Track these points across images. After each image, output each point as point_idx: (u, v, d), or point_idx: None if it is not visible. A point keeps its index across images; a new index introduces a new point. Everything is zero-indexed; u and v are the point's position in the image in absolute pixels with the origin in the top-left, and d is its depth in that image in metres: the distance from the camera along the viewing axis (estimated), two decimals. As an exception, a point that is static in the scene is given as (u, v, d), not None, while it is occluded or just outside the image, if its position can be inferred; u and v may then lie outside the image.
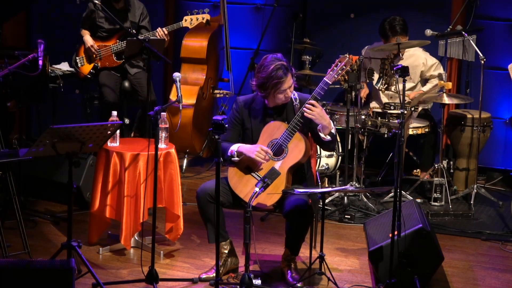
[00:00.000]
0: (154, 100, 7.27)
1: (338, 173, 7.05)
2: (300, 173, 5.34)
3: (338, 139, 6.91)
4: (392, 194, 6.78)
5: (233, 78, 8.02)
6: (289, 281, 5.26)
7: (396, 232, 4.95)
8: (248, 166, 5.25)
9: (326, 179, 7.08)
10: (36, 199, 6.74)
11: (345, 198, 6.74)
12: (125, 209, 5.53)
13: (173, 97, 7.57)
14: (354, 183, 6.86)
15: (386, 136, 6.80)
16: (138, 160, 5.54)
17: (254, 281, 4.98)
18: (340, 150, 6.92)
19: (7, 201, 5.63)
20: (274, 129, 5.24)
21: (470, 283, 5.45)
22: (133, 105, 7.66)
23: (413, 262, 5.12)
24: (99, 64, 7.30)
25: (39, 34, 7.90)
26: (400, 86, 6.43)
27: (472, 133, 7.16)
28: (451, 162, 7.38)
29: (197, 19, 7.18)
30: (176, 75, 5.32)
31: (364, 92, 7.25)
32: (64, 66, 7.50)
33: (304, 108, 5.12)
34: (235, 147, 5.24)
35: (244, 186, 5.22)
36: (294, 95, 5.30)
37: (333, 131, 5.24)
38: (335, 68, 5.27)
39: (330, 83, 5.21)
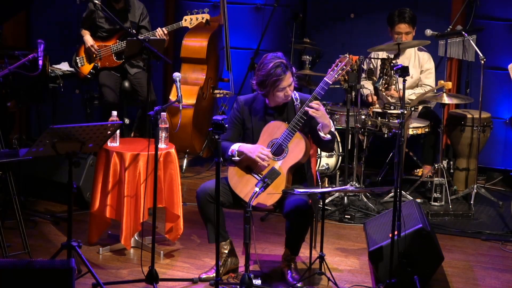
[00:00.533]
0: (154, 100, 7.27)
1: (338, 173, 7.05)
2: (300, 173, 5.34)
3: (338, 139, 6.91)
4: (392, 194, 6.78)
5: (233, 78, 8.02)
6: (289, 281, 5.26)
7: (396, 232, 4.95)
8: (248, 165, 5.25)
9: (326, 179, 7.08)
10: (36, 199, 6.73)
11: (345, 198, 6.74)
12: (125, 209, 5.53)
13: (173, 97, 7.57)
14: (354, 183, 6.86)
15: (386, 136, 6.80)
16: (138, 160, 5.54)
17: (254, 281, 4.97)
18: (340, 150, 6.92)
19: (7, 201, 5.63)
20: (275, 129, 5.24)
21: (470, 283, 5.45)
22: (133, 105, 7.67)
23: (413, 262, 5.12)
24: (99, 64, 7.30)
25: (39, 34, 7.89)
26: (400, 86, 6.46)
27: (472, 133, 7.16)
28: (451, 162, 7.38)
29: (197, 19, 7.18)
30: (176, 75, 5.32)
31: (372, 96, 7.20)
32: (64, 66, 7.50)
33: (307, 108, 5.12)
34: (235, 147, 5.25)
35: (244, 186, 5.22)
36: (294, 95, 5.31)
37: (332, 129, 5.25)
38: (335, 68, 5.27)
39: (331, 83, 5.22)
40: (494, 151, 7.73)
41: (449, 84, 6.90)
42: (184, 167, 7.70)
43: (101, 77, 7.30)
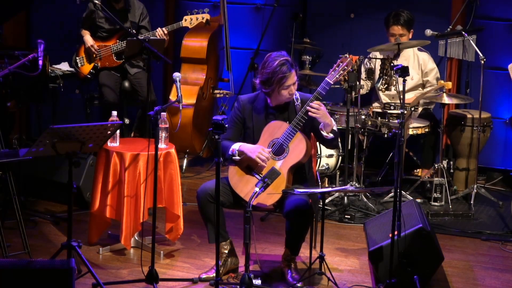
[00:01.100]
0: (154, 100, 7.27)
1: (338, 173, 7.05)
2: (301, 173, 5.34)
3: (339, 139, 6.91)
4: (392, 194, 6.78)
5: (233, 78, 8.02)
6: (289, 281, 5.26)
7: (396, 232, 4.95)
8: (248, 165, 5.25)
9: (326, 179, 7.08)
10: (36, 199, 6.73)
11: (345, 198, 6.74)
12: (125, 209, 5.53)
13: (173, 97, 7.57)
14: (354, 183, 6.86)
15: (386, 136, 6.80)
16: (138, 160, 5.54)
17: (254, 281, 4.97)
18: (340, 150, 6.92)
19: (7, 201, 5.63)
20: (275, 129, 5.24)
21: (470, 283, 5.45)
22: (133, 105, 7.67)
23: (413, 262, 5.12)
24: (99, 64, 7.30)
25: (39, 34, 7.89)
26: (400, 86, 6.45)
27: (472, 133, 7.16)
28: (451, 162, 7.38)
29: (197, 19, 7.18)
30: (176, 75, 5.32)
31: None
32: (64, 66, 7.50)
33: (309, 108, 5.12)
34: (236, 146, 5.25)
35: (245, 186, 5.22)
36: (295, 95, 5.31)
37: (334, 128, 5.25)
38: (337, 68, 5.27)
39: (332, 83, 5.22)
40: (494, 151, 7.72)
41: (449, 84, 6.91)
42: (184, 167, 7.70)
43: (101, 77, 7.30)
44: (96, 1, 6.49)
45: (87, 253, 5.60)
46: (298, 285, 5.23)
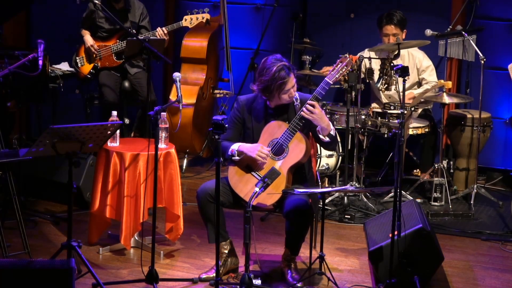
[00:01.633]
0: (154, 100, 7.27)
1: (338, 173, 7.05)
2: (301, 173, 5.34)
3: (339, 139, 6.91)
4: (392, 194, 6.78)
5: (233, 78, 8.02)
6: (289, 281, 5.26)
7: (396, 232, 4.95)
8: (248, 165, 5.25)
9: (326, 179, 7.08)
10: (36, 199, 6.73)
11: (345, 198, 6.74)
12: (125, 209, 5.53)
13: (173, 97, 7.57)
14: (354, 183, 6.86)
15: (386, 136, 6.80)
16: (138, 160, 5.54)
17: (254, 281, 4.97)
18: (340, 150, 6.92)
19: (7, 201, 5.63)
20: (275, 129, 5.24)
21: (470, 283, 5.45)
22: (133, 105, 7.66)
23: (413, 262, 5.12)
24: (99, 64, 7.30)
25: (39, 34, 7.89)
26: (400, 86, 6.46)
27: (472, 133, 7.16)
28: (451, 162, 7.38)
29: (197, 19, 7.18)
30: (176, 75, 5.32)
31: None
32: (64, 66, 7.50)
33: (303, 110, 5.12)
34: (235, 146, 5.25)
35: (245, 186, 5.22)
36: (295, 95, 5.30)
37: (332, 132, 5.23)
38: (336, 68, 5.27)
39: (331, 83, 5.22)
40: (494, 151, 7.72)
41: (449, 84, 6.91)
42: (184, 167, 7.70)
43: (101, 77, 7.30)
44: (96, 1, 6.49)
45: (87, 253, 5.60)
46: (298, 285, 5.23)
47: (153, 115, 5.00)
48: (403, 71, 5.00)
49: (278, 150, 5.23)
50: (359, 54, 6.92)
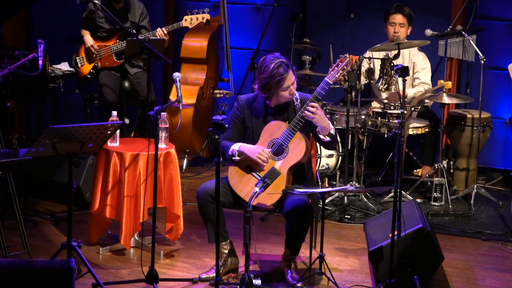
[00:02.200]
0: (154, 100, 7.27)
1: (338, 173, 7.05)
2: (301, 173, 5.34)
3: (339, 139, 6.91)
4: (392, 194, 6.78)
5: (233, 78, 8.02)
6: (289, 281, 5.26)
7: (396, 232, 4.95)
8: (248, 165, 5.25)
9: (326, 179, 7.08)
10: (36, 199, 6.73)
11: (345, 198, 6.74)
12: (125, 209, 5.53)
13: (173, 97, 7.57)
14: (354, 183, 6.86)
15: (386, 136, 6.80)
16: (138, 160, 5.54)
17: (254, 281, 4.97)
18: (340, 150, 6.92)
19: (7, 201, 5.63)
20: (275, 129, 5.24)
21: (470, 283, 5.45)
22: (133, 105, 7.66)
23: (413, 262, 5.12)
24: (99, 64, 7.30)
25: (39, 34, 7.89)
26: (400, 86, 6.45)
27: (472, 133, 7.16)
28: (451, 162, 7.38)
29: (197, 19, 7.18)
30: (176, 75, 5.32)
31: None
32: (64, 66, 7.49)
33: (305, 111, 5.12)
34: (236, 147, 5.25)
35: (245, 186, 5.22)
36: (295, 94, 5.30)
37: (332, 132, 5.24)
38: (336, 68, 5.27)
39: (331, 83, 5.22)
40: (494, 151, 7.72)
41: (449, 84, 6.91)
42: (184, 167, 7.70)
43: (101, 77, 7.30)
44: (96, 1, 6.49)
45: (87, 253, 5.60)
46: (298, 285, 5.23)
47: (153, 115, 5.00)
48: (403, 71, 5.00)
49: (278, 150, 5.23)
50: (363, 55, 6.93)
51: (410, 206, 5.66)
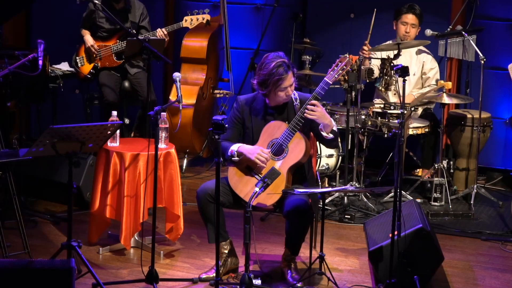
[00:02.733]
0: (154, 100, 7.27)
1: (338, 173, 7.05)
2: (301, 173, 5.34)
3: (339, 139, 6.92)
4: (392, 194, 6.78)
5: (233, 78, 8.02)
6: (289, 281, 5.25)
7: (396, 232, 4.95)
8: (248, 166, 5.25)
9: (326, 179, 7.08)
10: (36, 199, 6.73)
11: (345, 198, 6.74)
12: (125, 209, 5.53)
13: (173, 97, 7.57)
14: (354, 183, 6.86)
15: (386, 136, 6.80)
16: (138, 160, 5.54)
17: (254, 281, 4.98)
18: (340, 150, 6.92)
19: (7, 201, 5.63)
20: (275, 129, 5.24)
21: (470, 283, 5.45)
22: (133, 105, 7.66)
23: (413, 262, 5.12)
24: (99, 64, 7.30)
25: (39, 34, 7.89)
26: (400, 86, 6.45)
27: (472, 133, 7.16)
28: (451, 162, 7.38)
29: (197, 20, 7.18)
30: (176, 75, 5.32)
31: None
32: (64, 66, 7.50)
33: (306, 110, 5.12)
34: (235, 147, 5.24)
35: (244, 186, 5.22)
36: (294, 95, 5.30)
37: (334, 128, 5.24)
38: (335, 68, 5.27)
39: (331, 83, 5.22)
40: (494, 151, 7.72)
41: (449, 84, 6.91)
42: (184, 167, 7.70)
43: (101, 77, 7.30)
44: (96, 1, 6.49)
45: (87, 253, 5.60)
46: (298, 285, 5.22)
47: (153, 115, 5.00)
48: (403, 71, 5.00)
49: (278, 150, 5.22)
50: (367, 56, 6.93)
51: (410, 206, 5.66)
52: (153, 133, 5.12)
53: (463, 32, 7.12)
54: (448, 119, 7.30)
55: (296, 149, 5.21)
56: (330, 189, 6.10)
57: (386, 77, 6.78)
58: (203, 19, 7.19)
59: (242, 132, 5.39)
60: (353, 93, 6.68)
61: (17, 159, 5.25)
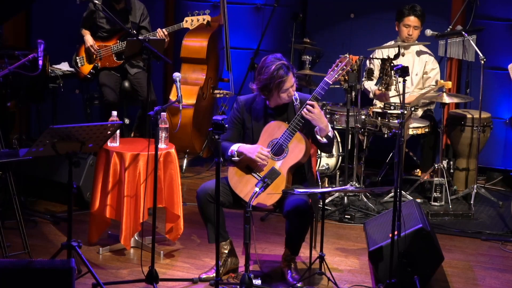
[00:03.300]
0: (154, 100, 7.27)
1: (338, 173, 7.05)
2: (301, 173, 5.34)
3: (339, 139, 6.92)
4: (392, 194, 6.78)
5: (233, 78, 8.02)
6: (289, 281, 5.26)
7: (396, 232, 4.95)
8: (248, 165, 5.25)
9: (326, 179, 7.08)
10: (36, 199, 6.73)
11: (345, 198, 6.74)
12: (125, 209, 5.53)
13: (173, 97, 7.57)
14: (354, 183, 6.86)
15: (386, 136, 6.80)
16: (138, 160, 5.54)
17: (254, 281, 4.98)
18: (340, 150, 6.92)
19: (7, 201, 5.63)
20: (275, 129, 5.24)
21: (470, 283, 5.45)
22: (133, 105, 7.66)
23: (413, 262, 5.12)
24: (99, 64, 7.30)
25: (39, 34, 7.89)
26: (400, 86, 6.46)
27: (472, 133, 7.16)
28: (451, 162, 7.38)
29: (198, 21, 7.19)
30: (176, 75, 5.32)
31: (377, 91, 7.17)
32: (64, 66, 7.50)
33: (303, 109, 5.12)
34: (235, 147, 5.25)
35: (244, 186, 5.22)
36: (294, 95, 5.30)
37: (330, 134, 5.23)
38: (335, 68, 5.27)
39: (331, 83, 5.21)
40: (494, 151, 7.72)
41: (449, 84, 6.91)
42: (184, 167, 7.70)
43: (101, 77, 7.30)
44: (96, 1, 6.49)
45: (87, 253, 5.60)
46: (298, 285, 5.23)
47: (153, 115, 5.00)
48: (403, 71, 5.00)
49: (278, 150, 5.22)
50: (371, 55, 6.91)
51: (410, 206, 5.66)
52: (153, 133, 5.12)
53: (463, 32, 7.13)
54: (448, 119, 7.30)
55: (296, 149, 5.21)
56: (330, 189, 6.10)
57: (386, 77, 6.78)
58: (204, 20, 7.19)
59: (242, 133, 5.39)
60: (353, 93, 6.68)
61: (17, 159, 5.25)
